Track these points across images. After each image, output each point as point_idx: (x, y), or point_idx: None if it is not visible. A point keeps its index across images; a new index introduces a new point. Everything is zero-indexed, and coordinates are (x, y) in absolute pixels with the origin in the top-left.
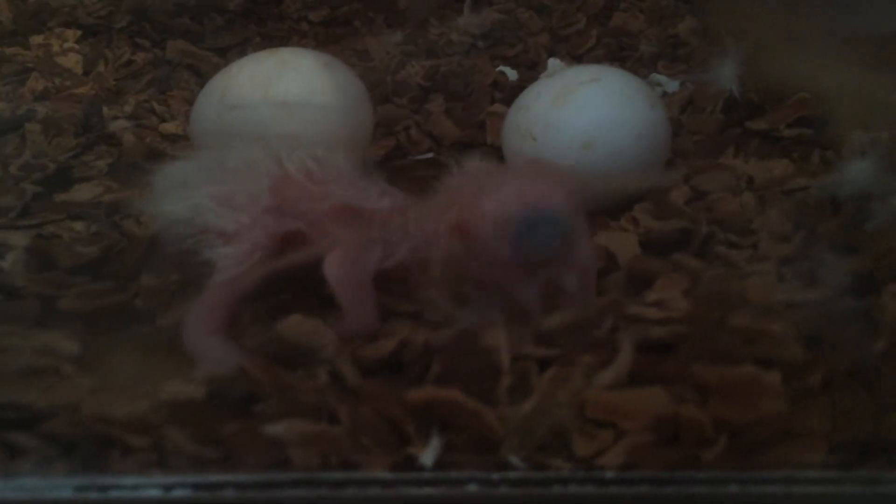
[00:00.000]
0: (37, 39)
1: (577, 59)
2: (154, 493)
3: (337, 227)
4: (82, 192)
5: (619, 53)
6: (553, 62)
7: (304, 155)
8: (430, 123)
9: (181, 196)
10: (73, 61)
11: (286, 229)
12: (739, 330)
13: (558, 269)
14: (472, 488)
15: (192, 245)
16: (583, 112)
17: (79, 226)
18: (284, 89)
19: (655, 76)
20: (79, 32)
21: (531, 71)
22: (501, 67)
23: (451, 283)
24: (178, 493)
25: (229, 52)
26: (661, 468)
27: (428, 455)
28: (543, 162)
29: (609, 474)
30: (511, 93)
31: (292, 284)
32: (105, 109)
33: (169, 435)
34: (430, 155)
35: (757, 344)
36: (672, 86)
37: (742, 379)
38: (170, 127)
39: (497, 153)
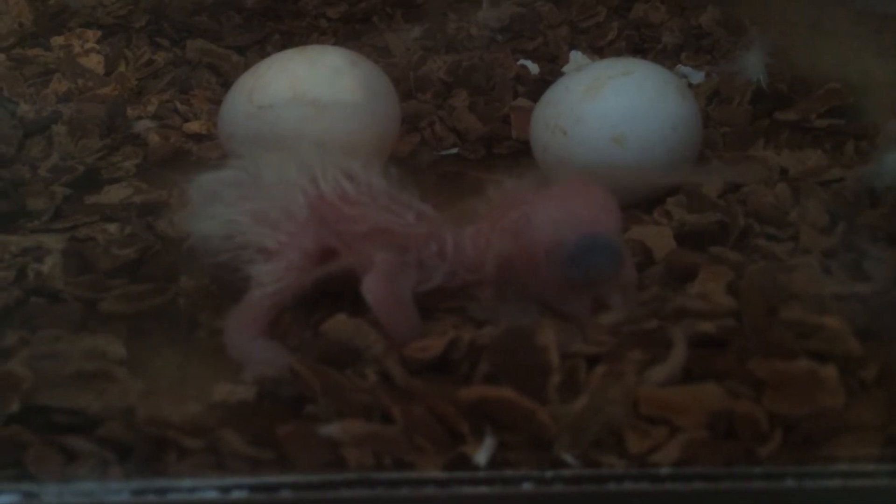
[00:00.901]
0: (58, 40)
1: (597, 51)
2: (212, 495)
3: (373, 250)
4: (112, 194)
5: (641, 45)
6: (575, 55)
7: (339, 174)
8: (454, 118)
9: (216, 212)
10: (94, 62)
11: (323, 246)
12: (793, 324)
13: (606, 288)
14: (527, 487)
15: (228, 260)
16: (613, 106)
17: (112, 228)
18: (313, 88)
19: (680, 67)
20: (99, 33)
21: (552, 64)
22: (522, 61)
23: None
24: (236, 495)
25: (248, 51)
26: (717, 464)
27: (482, 454)
28: (582, 179)
29: (664, 470)
30: (533, 86)
31: (330, 293)
32: (129, 110)
33: (224, 437)
34: (455, 150)
35: (811, 338)
36: (697, 77)
37: (798, 373)
38: (194, 126)
39: (523, 147)
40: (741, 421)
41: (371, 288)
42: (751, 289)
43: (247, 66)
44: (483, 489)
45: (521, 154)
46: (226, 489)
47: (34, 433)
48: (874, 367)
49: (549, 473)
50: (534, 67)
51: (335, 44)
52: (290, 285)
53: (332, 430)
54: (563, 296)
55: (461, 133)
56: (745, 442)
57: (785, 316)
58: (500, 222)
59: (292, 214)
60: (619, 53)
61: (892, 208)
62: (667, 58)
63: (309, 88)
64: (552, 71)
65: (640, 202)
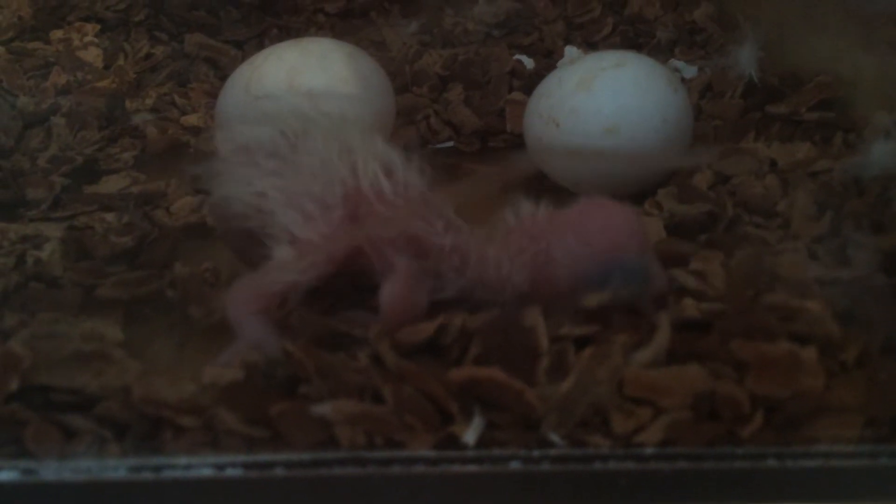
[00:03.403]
0: (57, 34)
1: (592, 46)
2: (206, 472)
3: (397, 255)
4: (110, 184)
5: (636, 40)
6: (570, 50)
7: (379, 167)
8: (450, 112)
9: (247, 178)
10: (93, 55)
11: (352, 247)
12: (775, 307)
13: (641, 303)
14: (515, 465)
15: (251, 230)
16: (606, 97)
17: (110, 217)
18: (309, 79)
19: (673, 62)
20: (98, 27)
21: (547, 59)
22: (518, 56)
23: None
24: (230, 473)
25: (246, 45)
26: (700, 444)
27: (471, 433)
28: (597, 198)
29: (648, 451)
30: (529, 81)
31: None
32: (127, 102)
33: (219, 416)
34: (451, 143)
35: (793, 321)
36: (690, 71)
37: (779, 355)
38: (192, 119)
39: (517, 141)
40: (724, 402)
41: (389, 294)
42: (736, 272)
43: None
44: (471, 468)
45: (515, 147)
46: (220, 467)
47: (33, 411)
48: (854, 350)
49: (536, 453)
50: (529, 62)
51: (332, 38)
52: (307, 281)
53: (325, 409)
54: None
55: (456, 126)
56: (728, 423)
57: (768, 299)
58: (519, 256)
59: (328, 209)
60: (613, 48)
61: (878, 197)
62: (660, 53)
63: (304, 79)
64: (547, 66)
65: (632, 194)
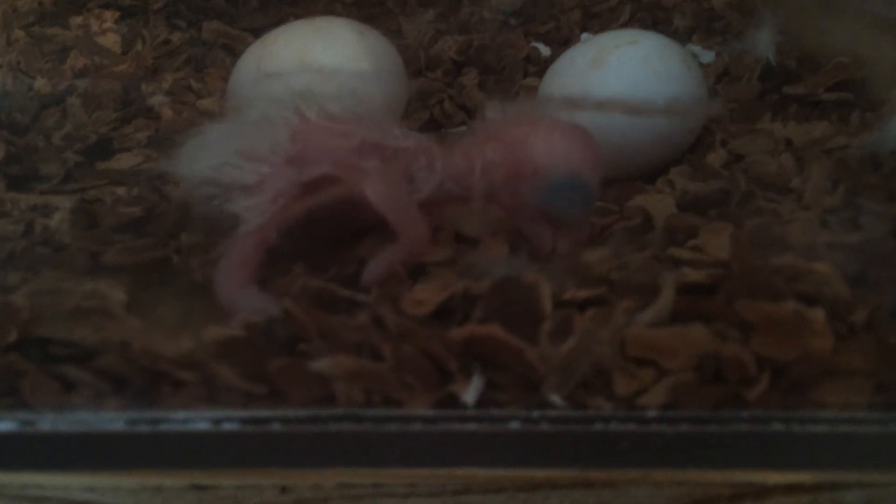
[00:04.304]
0: (76, 20)
1: None
2: (203, 426)
3: (365, 163)
4: (123, 161)
5: (653, 27)
6: (585, 37)
7: (324, 101)
8: (464, 97)
9: (206, 157)
10: (111, 41)
11: (309, 177)
12: (783, 268)
13: (563, 229)
14: (514, 425)
15: (220, 204)
16: (619, 74)
17: (121, 190)
18: (320, 57)
19: (690, 47)
20: (117, 13)
21: (563, 47)
22: (534, 43)
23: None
24: (227, 427)
25: (263, 33)
26: (704, 407)
27: (470, 393)
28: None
29: (650, 413)
30: (544, 67)
31: (322, 233)
32: (143, 86)
33: (218, 371)
34: (464, 128)
35: (800, 282)
36: (707, 57)
37: (786, 315)
38: (207, 103)
39: None
40: (728, 364)
41: (374, 190)
42: (743, 237)
43: None
44: (470, 426)
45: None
46: (217, 421)
47: (32, 363)
48: (863, 312)
49: (535, 413)
50: (545, 50)
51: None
52: (275, 218)
53: (323, 364)
54: (532, 219)
55: (470, 111)
56: (733, 385)
57: (775, 261)
58: (499, 136)
59: (275, 145)
60: None
61: (894, 170)
62: (678, 39)
63: (316, 56)
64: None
65: (645, 173)
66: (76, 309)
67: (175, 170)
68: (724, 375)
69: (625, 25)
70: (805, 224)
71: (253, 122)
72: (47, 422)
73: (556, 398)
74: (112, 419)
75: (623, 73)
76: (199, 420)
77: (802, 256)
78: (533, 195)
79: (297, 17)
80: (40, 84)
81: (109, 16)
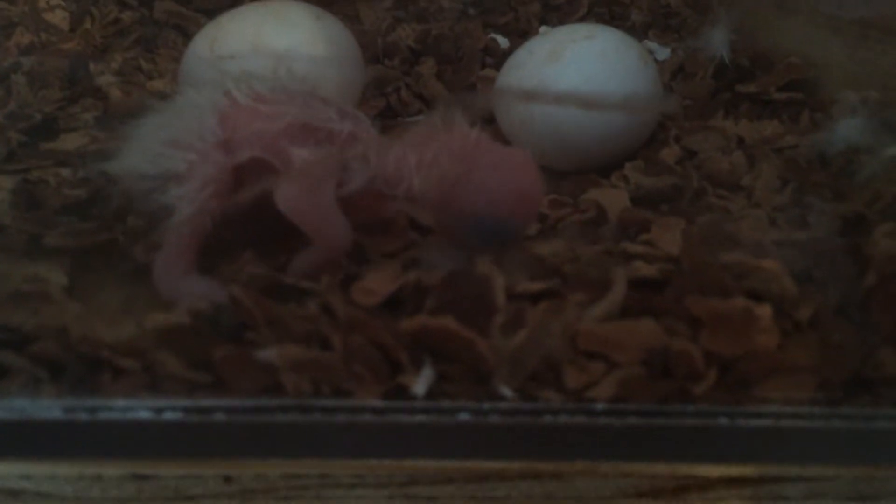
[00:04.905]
0: None
1: None
2: (144, 415)
3: (294, 147)
4: (68, 142)
5: (611, 22)
6: (545, 30)
7: (254, 83)
8: (421, 85)
9: (140, 150)
10: (59, 18)
11: (237, 161)
12: (731, 265)
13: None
14: (464, 417)
15: (157, 196)
16: (576, 68)
17: (65, 172)
18: (275, 40)
19: (646, 43)
20: None
21: (522, 39)
22: (493, 35)
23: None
24: (169, 416)
25: (217, 14)
26: (652, 401)
27: (420, 384)
28: (524, 153)
29: (599, 406)
30: (502, 59)
31: (258, 220)
32: (91, 65)
33: (160, 359)
34: (421, 117)
35: (748, 279)
36: (663, 53)
37: (733, 311)
38: (157, 84)
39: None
40: (677, 358)
41: (285, 196)
42: (694, 233)
43: None
44: (420, 418)
45: (486, 123)
46: (159, 410)
47: None
48: (808, 309)
49: (485, 405)
50: (504, 41)
51: None
52: (208, 205)
53: (269, 354)
54: (453, 238)
55: (427, 100)
56: (680, 380)
57: (725, 258)
58: (438, 154)
59: (202, 132)
60: None
61: (841, 169)
62: (634, 35)
63: (270, 40)
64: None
65: (600, 168)
66: (15, 293)
67: (114, 168)
68: (673, 370)
69: (582, 19)
70: (755, 221)
71: (183, 109)
72: None
73: (506, 390)
74: (48, 407)
75: (579, 68)
76: (140, 409)
77: (751, 253)
78: (460, 225)
79: (253, 1)
80: None
81: None
